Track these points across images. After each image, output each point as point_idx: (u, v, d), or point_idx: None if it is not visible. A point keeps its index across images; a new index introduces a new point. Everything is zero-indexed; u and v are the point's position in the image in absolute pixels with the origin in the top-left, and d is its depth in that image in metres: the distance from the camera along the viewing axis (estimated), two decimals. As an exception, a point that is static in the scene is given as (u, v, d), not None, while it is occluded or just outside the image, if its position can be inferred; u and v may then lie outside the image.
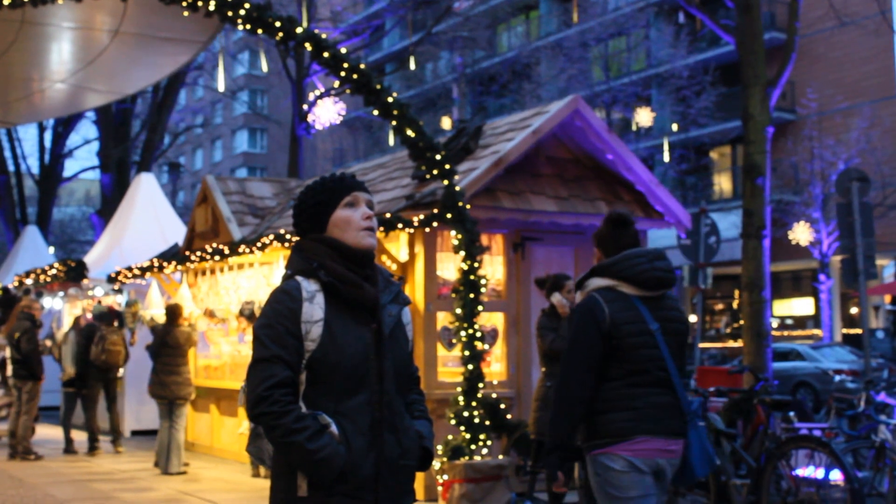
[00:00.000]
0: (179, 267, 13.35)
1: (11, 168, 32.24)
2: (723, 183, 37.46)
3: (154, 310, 14.03)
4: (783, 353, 22.79)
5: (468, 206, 9.41)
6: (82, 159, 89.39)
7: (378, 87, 9.34)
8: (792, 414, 8.88)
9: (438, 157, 9.35)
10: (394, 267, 10.09)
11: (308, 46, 9.15)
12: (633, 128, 34.37)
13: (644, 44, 36.70)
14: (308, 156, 46.63)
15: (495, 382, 10.10)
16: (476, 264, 9.27)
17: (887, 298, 31.33)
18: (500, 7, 41.50)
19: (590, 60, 35.25)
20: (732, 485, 8.06)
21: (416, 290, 10.01)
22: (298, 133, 26.16)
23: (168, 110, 29.56)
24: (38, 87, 13.94)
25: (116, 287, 15.32)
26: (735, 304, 36.10)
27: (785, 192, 31.75)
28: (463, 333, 9.17)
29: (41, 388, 13.36)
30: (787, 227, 29.78)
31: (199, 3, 8.32)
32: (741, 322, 13.12)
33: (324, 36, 9.26)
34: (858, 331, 26.21)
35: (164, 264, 13.42)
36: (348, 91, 9.85)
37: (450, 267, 10.09)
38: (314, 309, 3.14)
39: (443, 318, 10.01)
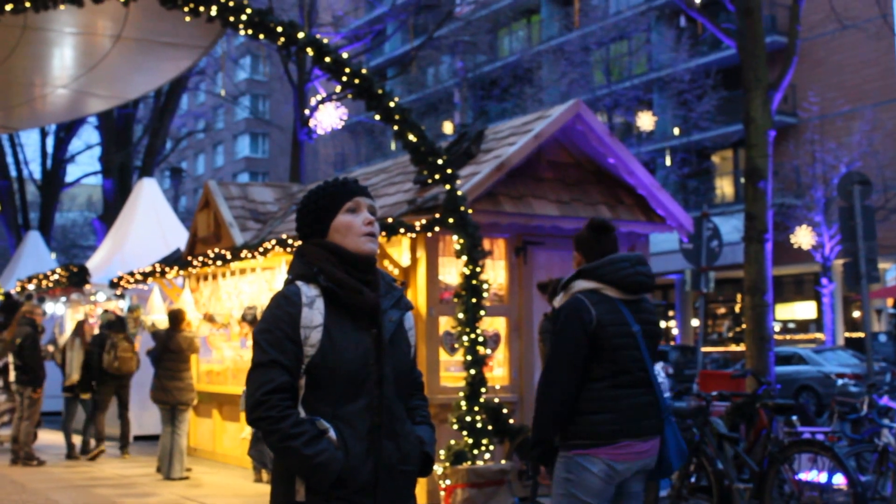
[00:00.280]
0: (181, 272, 13.35)
1: (13, 173, 32.27)
2: (724, 187, 37.46)
3: (156, 315, 14.03)
4: (786, 356, 22.79)
5: (470, 211, 9.41)
6: (84, 164, 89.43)
7: (380, 91, 9.34)
8: (795, 418, 8.88)
9: (440, 161, 9.34)
10: (396, 272, 10.08)
11: (310, 51, 9.15)
12: (635, 132, 34.37)
13: (645, 48, 36.72)
14: (310, 160, 46.69)
15: (497, 387, 10.08)
16: (478, 269, 9.26)
17: (890, 302, 31.35)
18: (501, 11, 41.54)
19: (591, 64, 35.28)
20: (735, 489, 8.05)
21: (418, 294, 10.00)
22: (300, 138, 26.18)
23: (170, 115, 29.59)
24: (41, 92, 13.96)
25: (118, 292, 15.32)
26: (737, 308, 36.08)
27: (787, 195, 31.75)
28: (465, 338, 9.16)
29: (43, 394, 13.38)
30: (790, 230, 29.78)
31: (201, 9, 8.32)
32: (743, 326, 13.12)
33: (325, 41, 9.27)
34: (861, 334, 26.17)
35: (167, 269, 13.42)
36: (350, 96, 9.84)
37: (452, 271, 10.09)
38: (314, 314, 3.14)
39: (445, 323, 10.00)
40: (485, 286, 9.30)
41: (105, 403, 13.86)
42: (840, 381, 20.87)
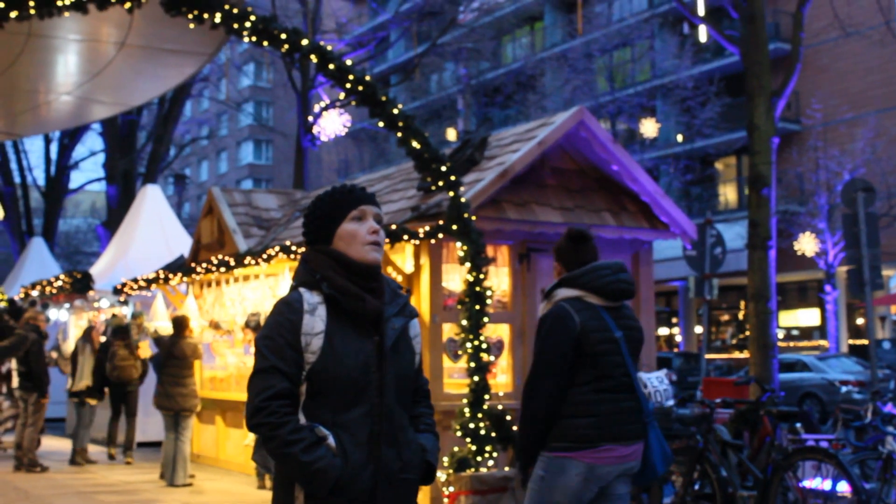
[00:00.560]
0: (185, 278, 13.36)
1: (17, 180, 32.34)
2: (728, 193, 37.44)
3: (159, 321, 14.03)
4: (789, 364, 22.75)
5: (474, 218, 9.41)
6: (88, 171, 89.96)
7: (383, 98, 9.34)
8: (798, 425, 8.85)
9: (444, 168, 9.35)
10: (399, 278, 10.08)
11: (313, 58, 9.16)
12: (638, 138, 34.37)
13: (649, 54, 36.72)
14: (313, 167, 46.69)
15: (501, 394, 10.08)
16: (481, 275, 9.26)
17: (893, 309, 31.27)
18: (504, 18, 41.56)
19: (594, 71, 35.27)
20: (739, 496, 8.04)
21: (421, 301, 10.00)
22: (304, 144, 26.19)
23: (174, 122, 29.62)
24: (45, 98, 13.98)
25: (122, 299, 15.33)
26: (741, 315, 36.04)
27: (790, 202, 31.73)
28: (469, 345, 9.16)
29: (47, 400, 13.41)
30: (793, 237, 29.76)
31: (205, 16, 8.34)
32: (747, 333, 13.10)
33: (329, 48, 9.28)
34: (865, 341, 26.16)
35: (170, 276, 13.43)
36: (353, 102, 9.85)
37: (455, 278, 10.09)
38: (315, 321, 3.15)
39: (448, 330, 10.01)
40: (488, 293, 9.30)
41: (114, 410, 13.97)
42: (844, 389, 20.81)
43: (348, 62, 9.30)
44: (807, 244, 29.37)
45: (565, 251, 4.90)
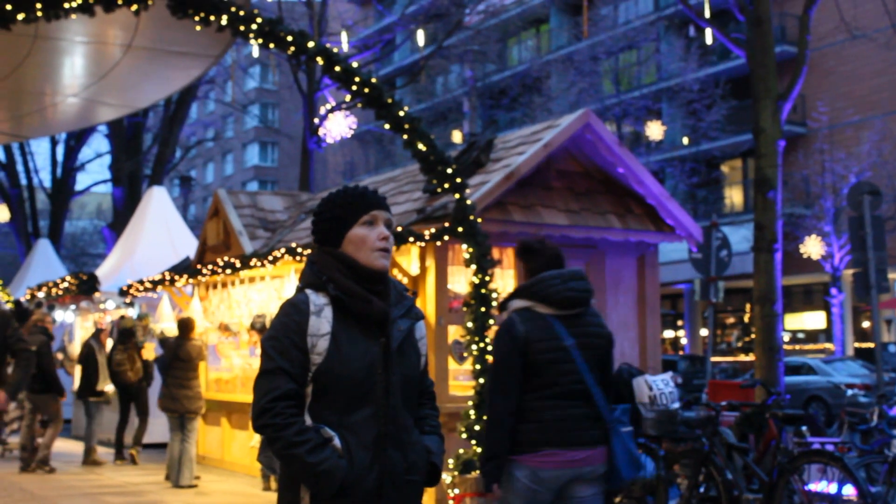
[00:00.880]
0: (191, 280, 13.37)
1: (24, 181, 32.42)
2: (734, 196, 37.41)
3: (165, 323, 14.06)
4: (795, 367, 22.72)
5: (479, 220, 9.41)
6: (94, 173, 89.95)
7: (389, 100, 9.35)
8: (804, 428, 8.84)
9: (449, 170, 9.35)
10: (405, 281, 10.09)
11: (319, 60, 9.16)
12: (644, 141, 34.36)
13: (654, 57, 36.72)
14: (319, 169, 46.70)
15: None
16: (487, 278, 9.25)
17: (900, 312, 31.20)
18: (510, 21, 41.59)
19: (600, 74, 35.29)
20: (745, 499, 8.03)
21: (427, 303, 10.01)
22: (309, 146, 26.21)
23: (179, 124, 29.67)
24: (51, 100, 14.00)
25: (128, 300, 15.36)
26: (746, 318, 36.00)
27: (796, 205, 31.70)
28: (474, 347, 9.15)
29: (64, 398, 13.50)
30: (799, 240, 29.73)
31: (212, 18, 8.35)
32: (753, 336, 13.09)
33: (335, 50, 9.29)
34: (871, 345, 26.09)
35: (176, 277, 13.45)
36: (359, 105, 9.86)
37: (461, 280, 10.08)
38: (321, 322, 3.15)
39: (454, 332, 10.00)
40: (494, 295, 9.30)
41: (123, 412, 14.01)
42: (850, 392, 20.78)
43: (354, 64, 9.30)
44: (813, 247, 29.33)
45: (517, 262, 5.05)
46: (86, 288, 16.40)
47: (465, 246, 9.32)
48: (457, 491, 8.83)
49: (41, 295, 17.22)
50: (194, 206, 59.96)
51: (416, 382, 3.34)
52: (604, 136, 10.83)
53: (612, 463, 4.72)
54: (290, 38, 8.87)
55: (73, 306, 18.12)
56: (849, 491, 7.63)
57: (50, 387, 12.98)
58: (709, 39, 20.34)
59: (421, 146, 9.41)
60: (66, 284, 16.60)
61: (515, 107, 39.31)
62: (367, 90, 9.26)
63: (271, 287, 12.29)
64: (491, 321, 9.27)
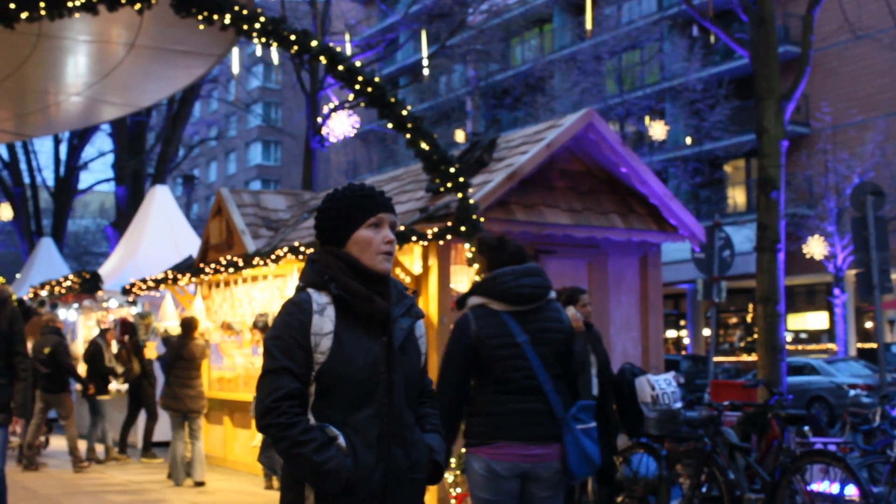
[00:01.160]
0: (193, 279, 13.38)
1: (27, 180, 32.44)
2: (737, 196, 37.39)
3: (167, 322, 14.06)
4: (798, 367, 22.71)
5: (482, 219, 9.41)
6: (97, 171, 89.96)
7: (392, 99, 9.35)
8: (806, 428, 8.84)
9: (452, 170, 9.35)
10: (407, 280, 10.09)
11: (323, 60, 9.17)
12: (647, 141, 34.34)
13: (658, 57, 36.69)
14: (322, 168, 46.76)
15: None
16: (489, 277, 9.25)
17: (902, 312, 31.18)
18: (513, 20, 41.55)
19: (603, 74, 35.27)
20: (747, 499, 8.03)
21: (429, 302, 10.01)
22: (312, 146, 26.21)
23: (182, 123, 29.67)
24: (54, 99, 14.00)
25: (131, 299, 15.37)
26: (749, 318, 35.98)
27: (799, 205, 31.67)
28: (476, 346, 9.14)
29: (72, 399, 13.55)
30: (802, 240, 29.70)
31: (215, 17, 8.35)
32: (755, 336, 13.08)
33: (338, 49, 9.29)
34: (873, 345, 26.06)
35: (179, 276, 13.45)
36: (362, 104, 9.86)
37: (464, 280, 10.08)
38: (324, 321, 3.15)
39: (456, 331, 9.99)
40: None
41: (129, 414, 14.10)
42: (852, 392, 20.77)
43: (357, 63, 9.31)
44: (815, 247, 29.30)
45: (477, 258, 5.04)
46: (89, 286, 16.42)
47: (467, 245, 9.32)
48: (459, 490, 8.84)
49: (44, 293, 17.23)
50: (197, 205, 60.00)
51: (417, 381, 3.35)
52: (607, 136, 10.83)
53: (563, 460, 4.73)
54: (293, 38, 8.88)
55: (75, 305, 18.14)
56: (851, 491, 7.63)
57: (65, 385, 13.01)
58: (712, 39, 20.33)
59: (424, 145, 9.41)
60: (69, 283, 16.62)
61: (518, 106, 39.29)
62: (370, 89, 9.27)
63: (274, 286, 12.29)
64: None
